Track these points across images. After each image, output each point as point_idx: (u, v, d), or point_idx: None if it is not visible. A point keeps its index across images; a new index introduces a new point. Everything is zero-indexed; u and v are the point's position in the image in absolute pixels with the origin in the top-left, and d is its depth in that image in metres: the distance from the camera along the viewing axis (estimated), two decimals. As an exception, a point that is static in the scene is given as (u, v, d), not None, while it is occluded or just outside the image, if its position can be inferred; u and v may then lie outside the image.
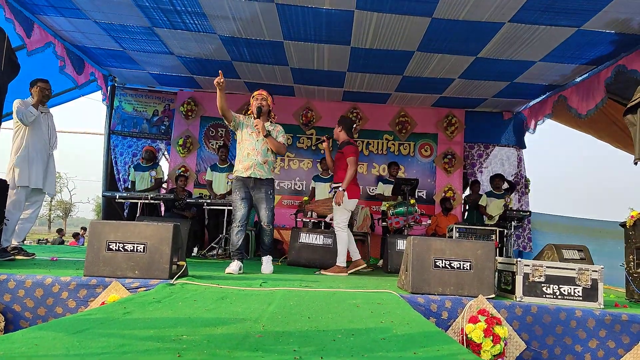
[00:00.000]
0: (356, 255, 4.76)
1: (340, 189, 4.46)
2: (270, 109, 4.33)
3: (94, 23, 5.71)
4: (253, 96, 4.30)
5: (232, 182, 6.83)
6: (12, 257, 4.02)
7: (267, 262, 4.20)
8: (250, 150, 4.15)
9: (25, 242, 4.63)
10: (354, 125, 4.61)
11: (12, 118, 4.29)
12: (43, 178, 4.34)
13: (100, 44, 6.40)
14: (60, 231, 18.37)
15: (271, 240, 4.31)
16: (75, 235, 15.98)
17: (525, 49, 5.66)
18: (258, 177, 4.13)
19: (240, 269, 3.96)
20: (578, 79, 6.39)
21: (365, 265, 4.72)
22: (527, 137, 8.32)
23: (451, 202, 7.72)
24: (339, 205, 4.48)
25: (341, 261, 4.52)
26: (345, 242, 4.56)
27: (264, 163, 4.16)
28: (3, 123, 4.26)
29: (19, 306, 2.77)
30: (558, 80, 6.62)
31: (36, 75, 4.48)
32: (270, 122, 4.36)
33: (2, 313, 2.74)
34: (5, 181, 3.89)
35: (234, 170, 4.28)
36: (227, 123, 4.23)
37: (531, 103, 7.76)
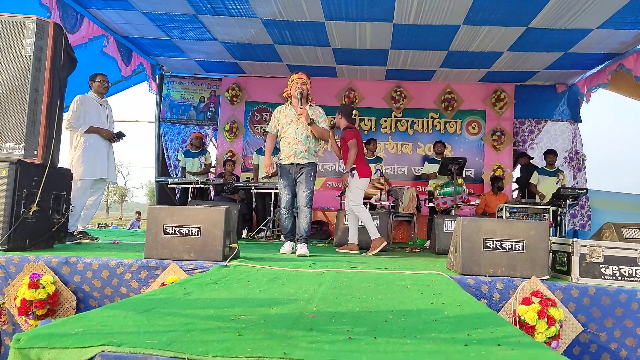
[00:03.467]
0: (354, 239, 4.72)
1: (344, 171, 4.59)
2: (308, 92, 4.29)
3: (142, 14, 5.90)
4: (292, 79, 4.25)
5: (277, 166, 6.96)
6: (79, 240, 4.31)
7: (301, 247, 4.05)
8: (292, 139, 4.20)
9: (88, 226, 4.92)
10: (353, 112, 4.76)
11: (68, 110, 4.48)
12: (107, 167, 4.59)
13: (147, 34, 6.61)
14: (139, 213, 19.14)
15: (309, 225, 4.17)
16: None
17: (581, 16, 5.31)
18: (299, 163, 4.19)
19: (293, 248, 4.23)
20: (640, 46, 5.97)
21: (357, 251, 4.60)
22: (584, 111, 7.89)
23: (502, 181, 7.48)
24: (346, 186, 4.63)
25: (373, 233, 4.49)
26: (368, 216, 4.59)
27: (306, 150, 4.19)
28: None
29: (88, 286, 2.99)
30: (618, 48, 6.19)
31: (87, 70, 4.71)
32: (310, 105, 4.31)
33: (73, 292, 2.97)
34: (69, 170, 4.15)
35: (278, 159, 4.37)
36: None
37: (587, 74, 7.32)
